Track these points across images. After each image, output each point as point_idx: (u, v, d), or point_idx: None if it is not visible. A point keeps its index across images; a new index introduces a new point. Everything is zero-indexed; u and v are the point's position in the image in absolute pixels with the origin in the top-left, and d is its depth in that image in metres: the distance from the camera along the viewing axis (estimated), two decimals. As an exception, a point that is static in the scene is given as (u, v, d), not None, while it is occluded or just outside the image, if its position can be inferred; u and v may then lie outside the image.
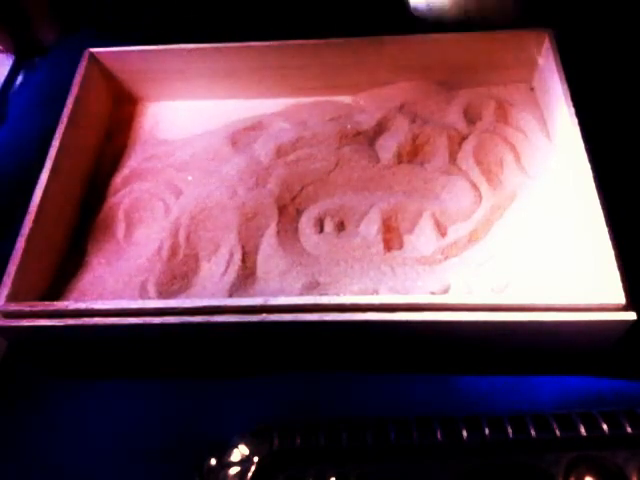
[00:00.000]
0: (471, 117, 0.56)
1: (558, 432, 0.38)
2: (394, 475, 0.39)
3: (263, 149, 0.55)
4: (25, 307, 0.43)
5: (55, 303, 0.45)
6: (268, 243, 0.49)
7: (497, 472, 0.38)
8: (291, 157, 0.54)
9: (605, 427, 0.38)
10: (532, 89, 0.58)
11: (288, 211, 0.52)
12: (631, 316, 0.40)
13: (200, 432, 0.43)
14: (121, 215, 0.53)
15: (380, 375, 0.45)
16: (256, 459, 0.39)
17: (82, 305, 0.43)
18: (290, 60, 0.57)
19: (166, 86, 0.60)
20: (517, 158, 0.53)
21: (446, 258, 0.49)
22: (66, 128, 0.52)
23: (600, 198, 0.44)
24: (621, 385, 0.43)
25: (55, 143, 0.51)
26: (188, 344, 0.46)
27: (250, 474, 0.38)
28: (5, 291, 0.43)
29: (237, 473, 0.38)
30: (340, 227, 0.51)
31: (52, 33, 0.69)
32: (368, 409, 0.44)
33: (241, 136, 0.57)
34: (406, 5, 0.46)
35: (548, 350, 0.44)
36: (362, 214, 0.51)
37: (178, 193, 0.54)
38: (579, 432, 0.38)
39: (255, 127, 0.58)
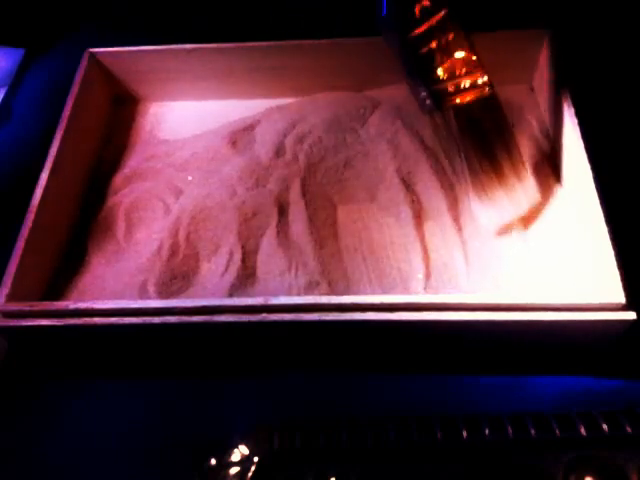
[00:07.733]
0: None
1: (558, 432, 0.38)
2: (394, 475, 0.39)
3: (263, 149, 0.55)
4: (25, 307, 0.43)
5: (55, 303, 0.45)
6: (268, 243, 0.49)
7: (497, 472, 0.38)
8: (291, 157, 0.54)
9: (605, 427, 0.38)
10: (532, 89, 0.58)
11: (288, 211, 0.51)
12: (631, 316, 0.40)
13: (200, 432, 0.43)
14: (121, 215, 0.53)
15: (380, 375, 0.45)
16: (256, 459, 0.39)
17: (82, 305, 0.43)
18: (290, 60, 0.57)
19: (166, 86, 0.60)
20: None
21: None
22: (66, 128, 0.52)
23: (600, 198, 0.44)
24: (621, 385, 0.43)
25: (55, 143, 0.51)
26: (188, 344, 0.46)
27: (250, 474, 0.38)
28: (5, 291, 0.43)
29: (237, 473, 0.38)
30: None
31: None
32: (368, 409, 0.44)
33: (241, 136, 0.57)
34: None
35: (548, 350, 0.44)
36: (362, 214, 0.51)
37: (178, 193, 0.54)
38: (579, 432, 0.38)
39: (255, 127, 0.58)
